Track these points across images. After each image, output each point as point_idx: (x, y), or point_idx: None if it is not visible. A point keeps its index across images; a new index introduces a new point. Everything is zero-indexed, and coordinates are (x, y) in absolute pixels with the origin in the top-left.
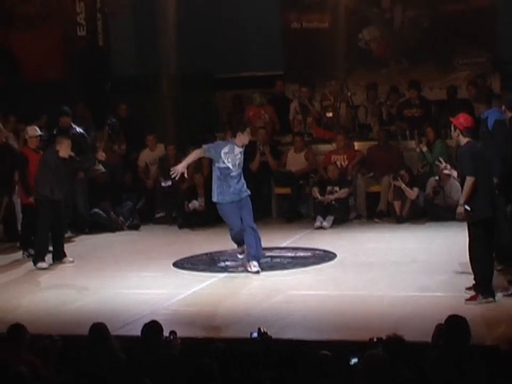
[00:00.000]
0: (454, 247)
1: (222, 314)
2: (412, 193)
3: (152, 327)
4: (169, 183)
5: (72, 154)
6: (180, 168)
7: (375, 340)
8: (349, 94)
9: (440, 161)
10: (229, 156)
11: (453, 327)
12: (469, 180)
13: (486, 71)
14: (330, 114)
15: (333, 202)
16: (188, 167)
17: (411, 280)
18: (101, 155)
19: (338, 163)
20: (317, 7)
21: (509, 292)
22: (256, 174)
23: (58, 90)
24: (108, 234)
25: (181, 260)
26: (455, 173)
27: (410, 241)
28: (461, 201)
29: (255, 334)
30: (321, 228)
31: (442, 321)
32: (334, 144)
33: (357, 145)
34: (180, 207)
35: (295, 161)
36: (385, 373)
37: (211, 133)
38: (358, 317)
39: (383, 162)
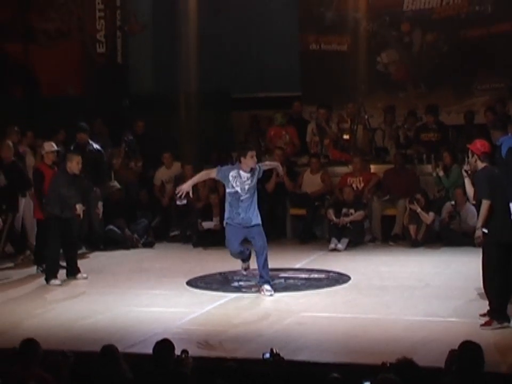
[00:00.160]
0: (469, 273)
1: (235, 334)
2: (428, 217)
3: (164, 346)
4: (185, 201)
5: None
6: (185, 187)
7: (388, 364)
8: (366, 116)
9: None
10: (237, 179)
11: (466, 353)
12: (485, 204)
13: (504, 97)
14: (347, 137)
15: (348, 224)
16: (204, 187)
17: (425, 304)
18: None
19: (354, 185)
20: (335, 29)
21: None
22: (271, 194)
23: (76, 106)
24: (122, 251)
25: (195, 278)
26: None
27: (425, 265)
28: (478, 224)
29: (267, 355)
30: (335, 250)
31: (456, 347)
32: (350, 167)
33: (373, 168)
34: (194, 226)
35: (311, 182)
36: None
37: (227, 153)
38: (371, 340)
39: (399, 185)
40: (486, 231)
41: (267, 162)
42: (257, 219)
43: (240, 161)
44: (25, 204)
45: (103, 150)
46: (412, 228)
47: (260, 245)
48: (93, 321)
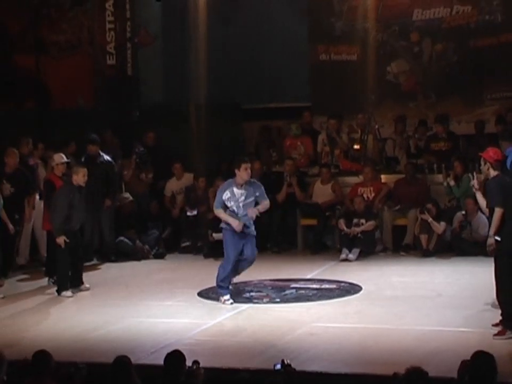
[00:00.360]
0: (481, 282)
1: (246, 345)
2: (439, 227)
3: (175, 357)
4: (195, 212)
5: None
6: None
7: (399, 375)
8: (376, 126)
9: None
10: (231, 200)
11: (479, 363)
12: (498, 212)
13: None
14: (357, 147)
15: (359, 234)
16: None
17: (437, 314)
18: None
19: (364, 195)
20: (345, 40)
21: None
22: (282, 205)
23: (87, 118)
24: (133, 263)
25: (206, 289)
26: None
27: (437, 275)
28: (491, 232)
29: (278, 366)
30: (346, 260)
31: (468, 357)
32: (360, 177)
33: (384, 178)
34: (205, 237)
35: (322, 192)
36: None
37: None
38: (383, 351)
39: (410, 195)
40: (498, 239)
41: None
42: (253, 231)
43: (235, 174)
44: (36, 216)
45: (114, 162)
46: (423, 238)
47: (250, 254)
48: (104, 332)
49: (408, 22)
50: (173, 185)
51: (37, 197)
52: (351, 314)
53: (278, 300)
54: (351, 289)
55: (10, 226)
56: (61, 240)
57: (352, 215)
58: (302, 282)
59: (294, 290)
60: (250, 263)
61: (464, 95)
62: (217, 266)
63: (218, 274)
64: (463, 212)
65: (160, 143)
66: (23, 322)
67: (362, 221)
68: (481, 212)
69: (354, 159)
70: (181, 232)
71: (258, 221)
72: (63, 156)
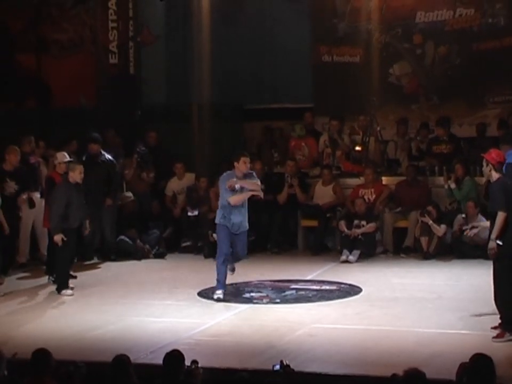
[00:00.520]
0: (481, 285)
1: (245, 346)
2: (439, 229)
3: (174, 356)
4: (196, 212)
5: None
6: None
7: (398, 376)
8: (378, 128)
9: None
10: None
11: (477, 366)
12: (501, 215)
13: None
14: (359, 148)
15: (360, 236)
16: (216, 199)
17: (436, 317)
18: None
19: (366, 197)
20: (348, 41)
21: None
22: (283, 206)
23: (89, 117)
24: (133, 262)
25: (206, 289)
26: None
27: (437, 277)
28: (493, 236)
29: (277, 367)
30: (347, 261)
31: (467, 360)
32: (362, 178)
33: (385, 180)
34: (206, 237)
35: (323, 194)
36: None
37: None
38: (382, 352)
39: (411, 197)
40: (500, 243)
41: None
42: (245, 225)
43: (234, 167)
44: (36, 214)
45: (116, 161)
46: (424, 240)
47: (240, 249)
48: (104, 331)
49: (411, 24)
50: (174, 185)
51: (38, 195)
52: (350, 316)
53: (278, 300)
54: (351, 290)
55: (6, 227)
56: (58, 238)
57: (353, 216)
58: (302, 283)
59: (294, 291)
60: (238, 259)
61: (466, 98)
62: None
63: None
64: (463, 215)
65: (162, 142)
66: (22, 320)
67: (363, 222)
68: (482, 215)
69: (356, 160)
70: (182, 232)
71: (258, 221)
72: (66, 155)
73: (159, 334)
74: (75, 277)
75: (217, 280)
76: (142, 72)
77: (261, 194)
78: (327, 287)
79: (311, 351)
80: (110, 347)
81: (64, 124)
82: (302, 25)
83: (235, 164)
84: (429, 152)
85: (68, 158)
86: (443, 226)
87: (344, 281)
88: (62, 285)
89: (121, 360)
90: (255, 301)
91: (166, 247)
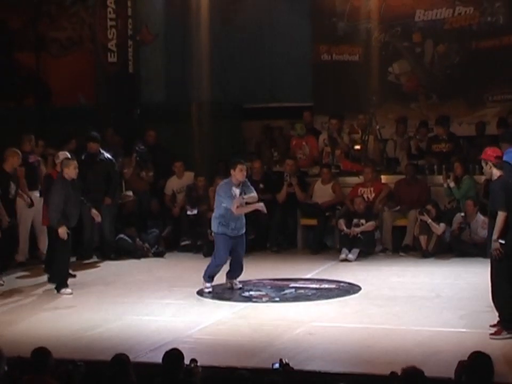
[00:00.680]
0: (480, 283)
1: (244, 344)
2: (438, 228)
3: (173, 355)
4: (195, 211)
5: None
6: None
7: (397, 374)
8: (377, 127)
9: None
10: (230, 198)
11: (476, 363)
12: (501, 215)
13: None
14: (358, 147)
15: (359, 235)
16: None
17: (435, 315)
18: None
19: (365, 196)
20: (347, 40)
21: None
22: (282, 205)
23: (88, 116)
24: (133, 261)
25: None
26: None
27: (436, 276)
28: (494, 236)
29: (276, 365)
30: (346, 260)
31: (466, 358)
32: (361, 177)
33: (384, 178)
34: (205, 236)
35: (322, 193)
36: None
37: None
38: (381, 350)
39: (410, 196)
40: (503, 242)
41: (250, 195)
42: (243, 229)
43: (230, 174)
44: (35, 213)
45: (115, 160)
46: (423, 239)
47: (241, 253)
48: (103, 330)
49: (410, 23)
50: (174, 184)
51: (37, 194)
52: (350, 314)
53: (277, 299)
54: (350, 289)
55: (6, 218)
56: (62, 230)
57: (352, 215)
58: (301, 282)
59: (293, 290)
60: (237, 275)
61: (465, 97)
62: None
63: (206, 270)
64: (462, 214)
65: (161, 141)
66: (21, 319)
67: (362, 221)
68: (481, 213)
69: (355, 159)
70: (181, 231)
71: (258, 220)
72: (68, 154)
73: (158, 333)
74: (74, 276)
75: (206, 279)
76: (141, 71)
77: (265, 210)
78: (326, 286)
79: (310, 349)
80: (109, 346)
81: (63, 122)
82: (301, 24)
83: (231, 171)
84: (428, 150)
85: (69, 157)
86: (442, 225)
87: (344, 280)
88: (61, 284)
89: (121, 359)
90: (254, 299)
91: (165, 246)
